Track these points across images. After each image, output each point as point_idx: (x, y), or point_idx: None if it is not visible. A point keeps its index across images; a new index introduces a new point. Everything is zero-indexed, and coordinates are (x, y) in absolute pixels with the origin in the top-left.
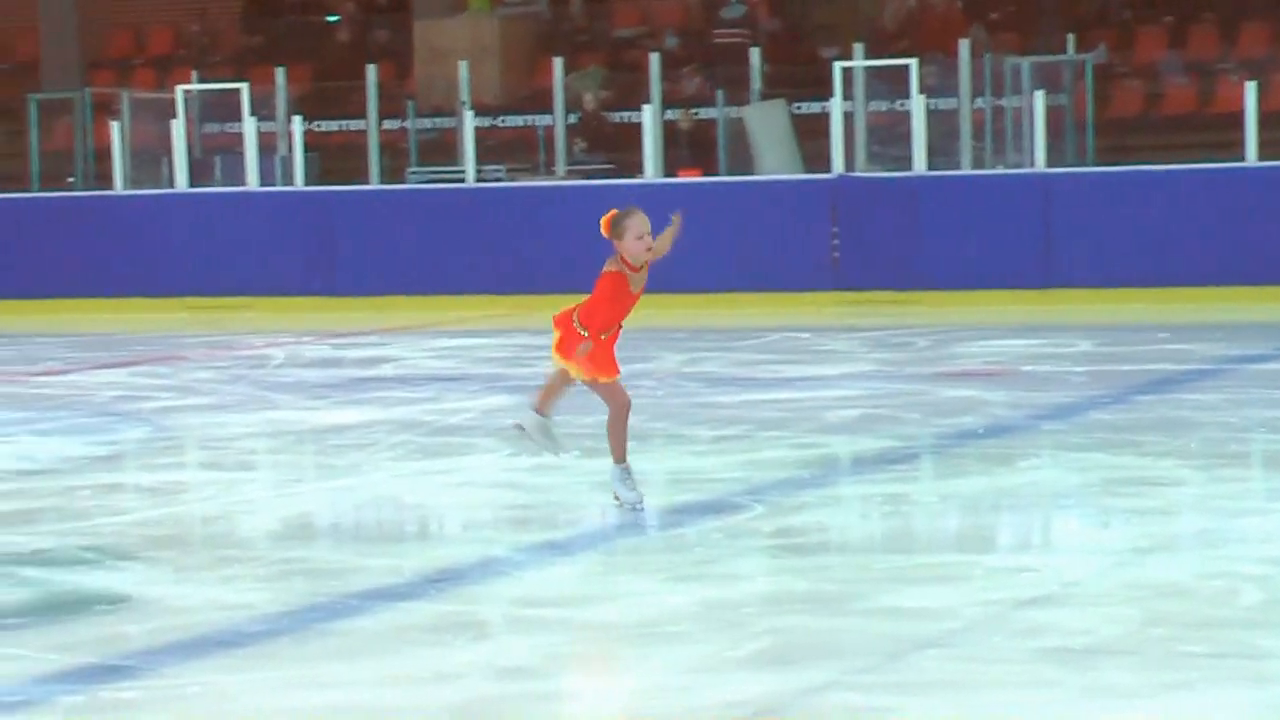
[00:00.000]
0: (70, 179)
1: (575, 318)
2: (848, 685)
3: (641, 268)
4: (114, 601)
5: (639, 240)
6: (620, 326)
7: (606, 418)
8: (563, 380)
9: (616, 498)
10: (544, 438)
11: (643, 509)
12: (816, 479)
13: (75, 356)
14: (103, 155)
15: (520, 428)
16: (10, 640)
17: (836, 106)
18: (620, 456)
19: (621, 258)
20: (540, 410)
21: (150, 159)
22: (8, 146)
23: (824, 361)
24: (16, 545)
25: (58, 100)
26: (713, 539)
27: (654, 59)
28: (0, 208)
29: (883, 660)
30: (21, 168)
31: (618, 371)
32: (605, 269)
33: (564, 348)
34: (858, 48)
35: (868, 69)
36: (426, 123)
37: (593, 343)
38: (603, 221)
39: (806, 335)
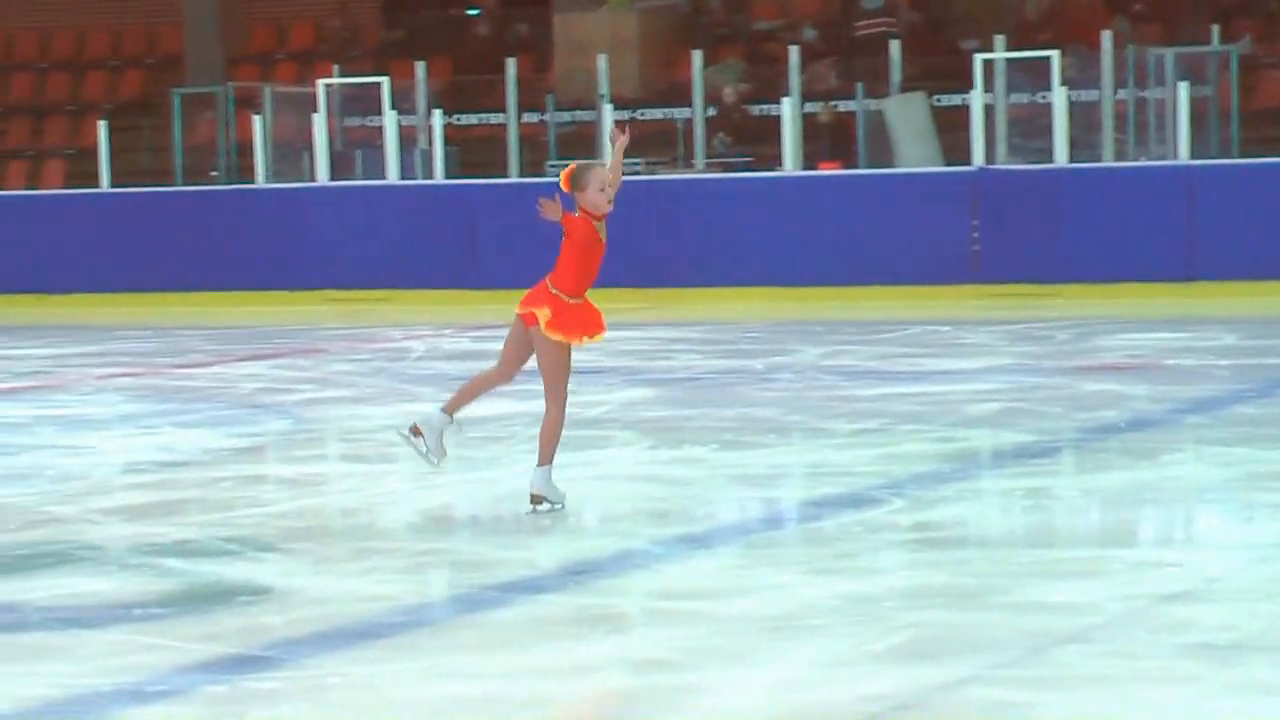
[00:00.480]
0: (213, 172)
1: (550, 285)
2: (987, 680)
3: (602, 218)
4: (255, 592)
5: (601, 192)
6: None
7: (544, 419)
8: (485, 384)
9: (541, 502)
10: (433, 440)
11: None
12: (956, 473)
13: (217, 349)
14: (245, 149)
15: (416, 431)
16: (154, 630)
17: (977, 99)
18: (552, 458)
19: (582, 209)
20: (449, 410)
21: (291, 152)
22: (152, 140)
23: (964, 355)
24: (160, 536)
25: (201, 95)
26: (851, 532)
27: (793, 51)
28: (144, 201)
29: (1023, 655)
30: (165, 162)
31: (604, 329)
32: (578, 221)
33: (560, 321)
34: (999, 39)
35: (1009, 61)
36: (566, 116)
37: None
38: (563, 175)
39: (946, 328)
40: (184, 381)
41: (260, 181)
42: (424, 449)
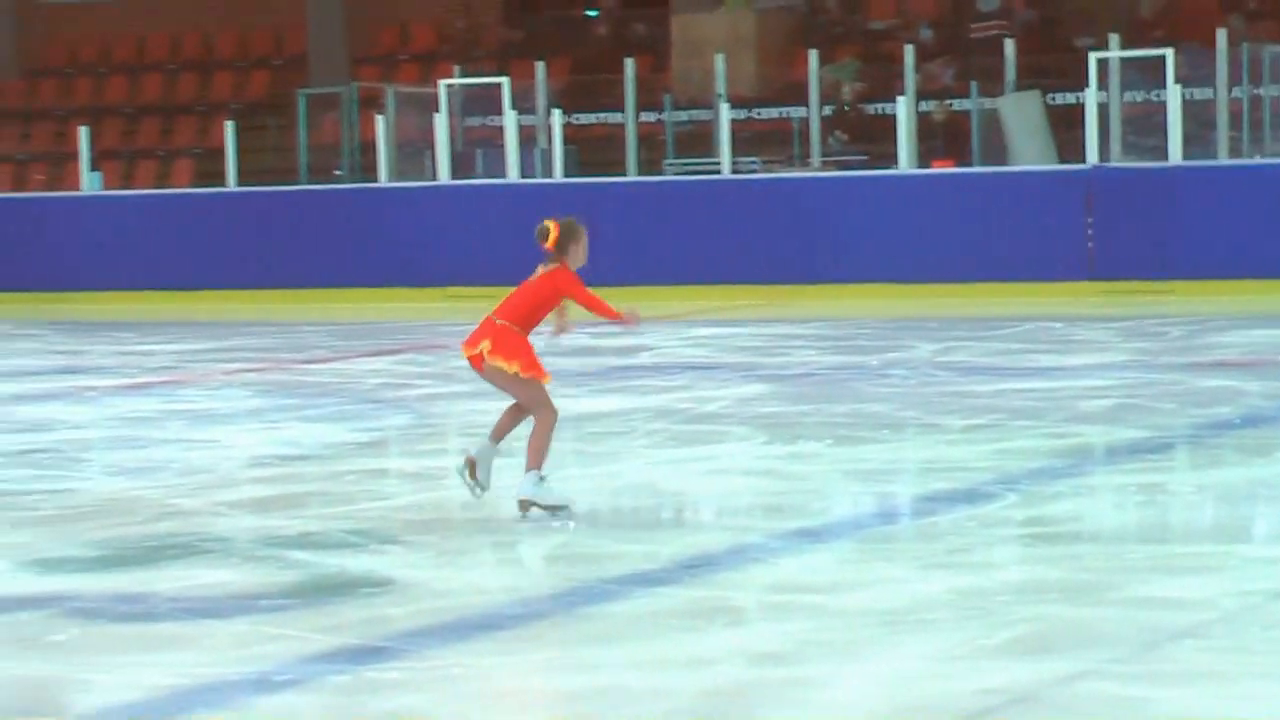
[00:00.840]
0: (337, 171)
1: (496, 318)
2: (1102, 675)
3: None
4: (378, 584)
5: (584, 251)
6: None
7: (532, 428)
8: (519, 413)
9: (529, 508)
10: (483, 471)
11: (570, 517)
12: (1070, 468)
13: (341, 345)
14: (368, 148)
15: (470, 463)
16: (278, 621)
17: (1091, 97)
18: (540, 464)
19: (564, 262)
20: (494, 438)
21: (414, 152)
22: (277, 140)
23: (1078, 351)
24: (284, 529)
25: (325, 95)
26: (966, 527)
27: (908, 51)
28: (269, 200)
29: (1138, 650)
30: (290, 161)
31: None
32: (563, 271)
33: (502, 348)
34: (1113, 38)
35: (1123, 59)
36: (683, 115)
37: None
38: (551, 233)
39: (1060, 325)
40: (307, 377)
41: (383, 180)
42: (474, 486)
